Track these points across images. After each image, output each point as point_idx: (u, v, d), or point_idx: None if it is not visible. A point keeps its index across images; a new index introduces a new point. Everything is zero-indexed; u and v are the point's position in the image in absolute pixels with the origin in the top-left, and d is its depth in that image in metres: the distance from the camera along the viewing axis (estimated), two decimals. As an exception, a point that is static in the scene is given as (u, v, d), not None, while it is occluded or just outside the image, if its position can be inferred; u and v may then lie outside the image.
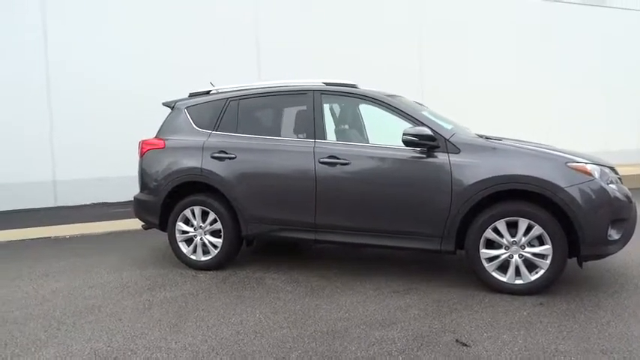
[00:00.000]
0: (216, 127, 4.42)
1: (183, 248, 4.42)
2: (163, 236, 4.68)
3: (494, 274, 3.57)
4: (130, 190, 5.21)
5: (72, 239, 6.02)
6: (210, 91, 4.71)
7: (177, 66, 8.35)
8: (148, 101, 6.66)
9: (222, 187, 4.22)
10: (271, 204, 4.14)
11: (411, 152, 3.75)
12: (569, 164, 3.48)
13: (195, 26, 8.69)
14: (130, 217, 5.67)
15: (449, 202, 3.61)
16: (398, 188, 3.78)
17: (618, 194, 3.47)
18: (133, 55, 8.31)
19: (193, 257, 4.39)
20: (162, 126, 4.70)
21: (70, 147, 8.01)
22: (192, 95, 4.78)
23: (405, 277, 4.04)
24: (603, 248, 3.43)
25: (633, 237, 3.63)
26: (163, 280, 4.12)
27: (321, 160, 3.94)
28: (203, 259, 4.36)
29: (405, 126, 3.81)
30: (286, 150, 4.11)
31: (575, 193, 3.36)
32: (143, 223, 4.82)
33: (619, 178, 3.76)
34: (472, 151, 3.64)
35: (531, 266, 3.50)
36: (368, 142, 4.32)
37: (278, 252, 5.03)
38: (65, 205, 8.12)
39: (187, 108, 4.61)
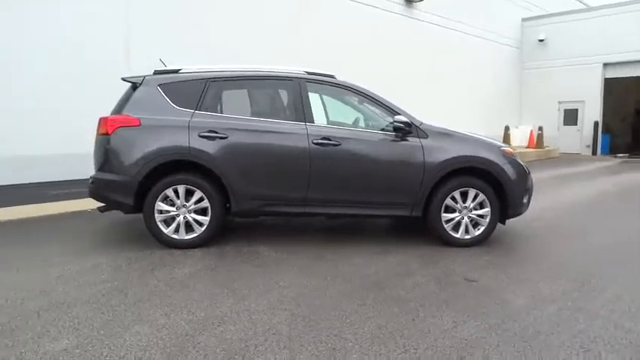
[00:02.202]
0: (198, 107, 4.43)
1: (163, 228, 4.35)
2: (114, 216, 4.51)
3: (451, 232, 4.62)
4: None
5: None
6: (180, 69, 4.64)
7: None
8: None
9: (213, 166, 4.30)
10: (265, 181, 4.42)
11: (390, 136, 4.52)
12: (501, 148, 4.72)
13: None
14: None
15: (421, 177, 4.50)
16: (381, 165, 4.52)
17: (526, 169, 4.85)
18: None
19: (175, 236, 4.36)
20: (126, 103, 4.43)
21: None
22: (157, 72, 4.63)
23: (379, 242, 4.80)
24: (520, 210, 4.77)
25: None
26: (160, 260, 4.06)
27: (315, 141, 4.41)
28: (187, 237, 4.38)
29: (381, 114, 4.59)
30: (280, 131, 4.44)
31: (507, 169, 4.61)
32: (101, 205, 4.51)
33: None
34: (436, 137, 4.60)
35: (475, 225, 4.65)
36: (349, 126, 4.86)
37: (241, 227, 5.25)
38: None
39: (161, 86, 4.47)
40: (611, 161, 15.90)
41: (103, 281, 3.55)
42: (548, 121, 19.30)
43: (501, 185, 4.61)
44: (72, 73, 7.70)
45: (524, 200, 4.80)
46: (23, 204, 6.00)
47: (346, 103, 4.85)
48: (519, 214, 4.82)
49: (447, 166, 4.51)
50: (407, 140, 4.53)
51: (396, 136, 4.53)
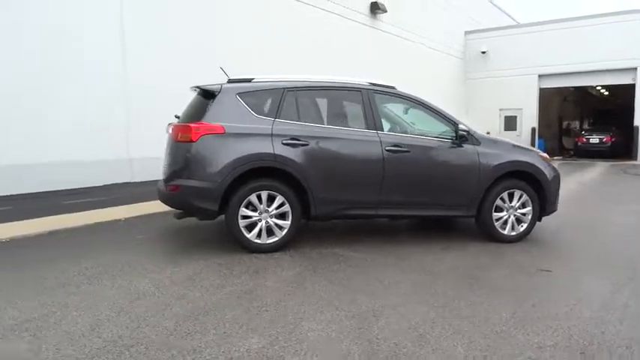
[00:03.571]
0: (277, 115, 4.59)
1: (246, 233, 4.46)
2: (160, 224, 4.51)
3: (499, 229, 5.12)
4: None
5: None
6: (253, 79, 4.77)
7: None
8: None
9: (297, 172, 4.48)
10: (342, 186, 4.67)
11: (448, 143, 4.95)
12: (539, 154, 5.31)
13: None
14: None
15: (477, 179, 4.96)
16: (444, 170, 4.95)
17: (558, 172, 5.48)
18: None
19: (258, 241, 4.49)
20: (205, 111, 4.48)
21: None
22: (231, 81, 4.72)
23: (435, 240, 5.19)
24: (554, 208, 5.38)
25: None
26: (254, 263, 4.19)
27: (387, 148, 4.73)
28: (268, 241, 4.52)
29: (438, 122, 5.02)
30: (356, 139, 4.71)
31: (547, 172, 5.20)
32: (178, 212, 4.54)
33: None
34: (487, 143, 5.10)
35: (518, 222, 5.19)
36: (413, 134, 5.14)
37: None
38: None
39: (240, 94, 4.57)
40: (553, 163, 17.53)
41: (219, 286, 3.63)
42: (491, 127, 20.82)
43: (541, 186, 5.19)
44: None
45: (557, 199, 5.43)
46: (49, 214, 5.78)
47: (406, 112, 5.21)
48: (553, 211, 5.42)
49: (499, 169, 5.01)
50: (462, 147, 4.98)
51: (453, 142, 4.96)
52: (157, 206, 5.78)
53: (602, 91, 26.66)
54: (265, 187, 4.46)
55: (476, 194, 4.99)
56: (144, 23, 9.09)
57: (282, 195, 4.49)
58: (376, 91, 4.95)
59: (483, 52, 21.88)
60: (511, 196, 5.11)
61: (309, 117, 4.74)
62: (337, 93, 4.98)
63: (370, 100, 4.87)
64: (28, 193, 7.31)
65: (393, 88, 5.11)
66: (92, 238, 5.15)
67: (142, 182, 8.93)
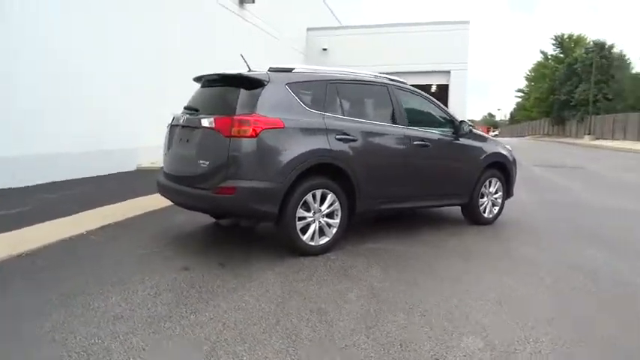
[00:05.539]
0: (324, 109, 4.35)
1: (301, 235, 4.16)
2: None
3: (484, 213, 5.79)
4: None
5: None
6: (294, 69, 4.41)
7: None
8: None
9: (348, 168, 4.34)
10: (383, 181, 4.68)
11: (452, 136, 5.38)
12: (506, 146, 6.12)
13: None
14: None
15: (476, 169, 5.53)
16: (453, 161, 5.37)
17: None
18: None
19: (312, 243, 4.23)
20: (256, 102, 3.98)
21: None
22: (272, 70, 4.29)
23: (437, 227, 5.57)
24: (512, 192, 6.27)
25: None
26: (304, 265, 3.99)
27: (415, 142, 4.91)
28: (321, 242, 4.30)
29: (440, 116, 5.43)
30: (392, 133, 4.77)
31: (513, 162, 6.06)
32: (226, 220, 4.00)
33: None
34: (477, 137, 5.68)
35: (494, 205, 5.94)
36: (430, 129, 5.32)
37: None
38: None
39: (288, 85, 4.18)
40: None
41: (346, 289, 3.38)
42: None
43: (509, 175, 6.02)
44: None
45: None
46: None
47: (416, 106, 5.41)
48: (512, 195, 6.33)
49: (487, 160, 5.66)
50: (463, 140, 5.47)
51: (458, 136, 5.40)
52: (112, 214, 4.87)
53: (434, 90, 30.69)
54: (320, 186, 4.22)
55: (472, 183, 5.54)
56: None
57: (333, 192, 4.31)
58: (397, 87, 5.08)
59: (324, 49, 23.16)
60: (489, 184, 5.81)
61: (350, 111, 4.61)
62: (367, 87, 4.93)
63: (396, 95, 4.98)
64: None
65: (405, 83, 5.30)
66: (85, 256, 4.10)
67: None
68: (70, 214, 5.48)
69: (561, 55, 54.11)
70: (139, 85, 10.07)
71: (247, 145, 3.85)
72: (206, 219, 5.40)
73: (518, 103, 76.21)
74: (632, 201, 7.92)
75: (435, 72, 21.97)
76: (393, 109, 4.93)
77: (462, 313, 3.08)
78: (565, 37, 55.58)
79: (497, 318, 3.01)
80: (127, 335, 2.65)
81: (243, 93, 4.09)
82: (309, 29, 23.30)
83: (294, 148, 4.03)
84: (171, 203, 4.78)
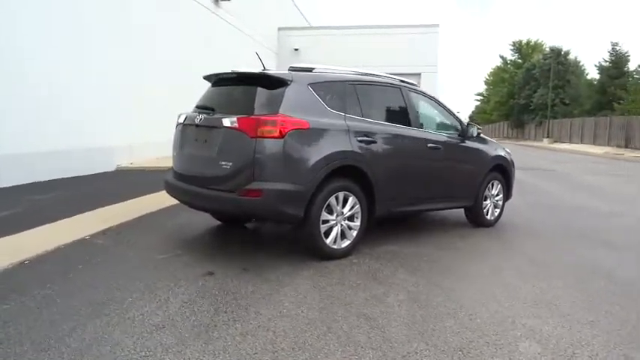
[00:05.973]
0: (345, 110, 4.28)
1: (324, 238, 4.08)
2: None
3: (487, 215, 5.87)
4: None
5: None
6: (314, 68, 4.33)
7: None
8: None
9: (369, 170, 4.29)
10: (400, 183, 4.66)
11: (459, 139, 5.42)
12: (505, 149, 6.23)
13: None
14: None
15: (482, 172, 5.60)
16: (462, 164, 5.41)
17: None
18: None
19: (335, 246, 4.16)
20: (279, 101, 3.87)
21: None
22: (293, 69, 4.19)
23: (447, 229, 5.61)
24: (511, 194, 6.40)
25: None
26: (329, 269, 3.92)
27: (429, 145, 4.92)
28: (343, 246, 4.23)
29: (447, 119, 5.47)
30: (408, 135, 4.75)
31: (512, 164, 6.17)
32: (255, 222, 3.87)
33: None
34: (481, 140, 5.75)
35: (495, 207, 6.04)
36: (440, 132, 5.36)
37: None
38: None
39: (311, 85, 4.09)
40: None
41: (383, 294, 3.33)
42: (309, 120, 22.22)
43: (508, 177, 6.14)
44: None
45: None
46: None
47: (427, 108, 5.42)
48: (511, 197, 6.45)
49: (491, 162, 5.74)
50: (470, 143, 5.53)
51: (465, 139, 5.45)
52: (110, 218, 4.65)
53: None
54: (343, 188, 4.15)
55: (478, 185, 5.61)
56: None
57: (354, 195, 4.25)
58: (410, 89, 5.07)
59: (296, 49, 23.03)
60: (492, 186, 5.91)
61: (368, 112, 4.55)
62: (382, 88, 4.88)
63: (410, 97, 4.98)
64: None
65: (416, 85, 5.30)
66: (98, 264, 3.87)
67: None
68: (66, 217, 5.19)
69: (519, 61, 56.05)
70: (115, 84, 9.67)
71: (274, 146, 3.75)
72: (207, 220, 5.25)
73: (477, 107, 78.32)
74: (606, 203, 8.24)
75: (407, 74, 22.04)
76: (408, 111, 4.92)
77: (504, 316, 3.09)
78: (523, 43, 57.62)
79: (541, 320, 3.04)
80: (179, 347, 2.51)
81: (262, 92, 3.98)
82: (280, 29, 23.10)
83: (319, 150, 3.95)
84: (167, 205, 4.60)
